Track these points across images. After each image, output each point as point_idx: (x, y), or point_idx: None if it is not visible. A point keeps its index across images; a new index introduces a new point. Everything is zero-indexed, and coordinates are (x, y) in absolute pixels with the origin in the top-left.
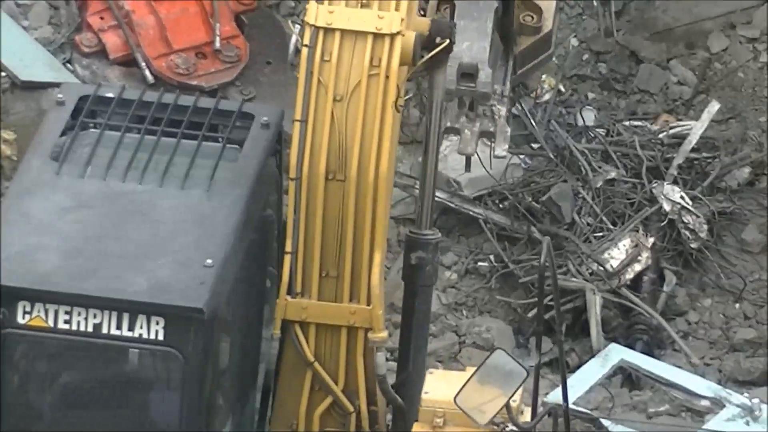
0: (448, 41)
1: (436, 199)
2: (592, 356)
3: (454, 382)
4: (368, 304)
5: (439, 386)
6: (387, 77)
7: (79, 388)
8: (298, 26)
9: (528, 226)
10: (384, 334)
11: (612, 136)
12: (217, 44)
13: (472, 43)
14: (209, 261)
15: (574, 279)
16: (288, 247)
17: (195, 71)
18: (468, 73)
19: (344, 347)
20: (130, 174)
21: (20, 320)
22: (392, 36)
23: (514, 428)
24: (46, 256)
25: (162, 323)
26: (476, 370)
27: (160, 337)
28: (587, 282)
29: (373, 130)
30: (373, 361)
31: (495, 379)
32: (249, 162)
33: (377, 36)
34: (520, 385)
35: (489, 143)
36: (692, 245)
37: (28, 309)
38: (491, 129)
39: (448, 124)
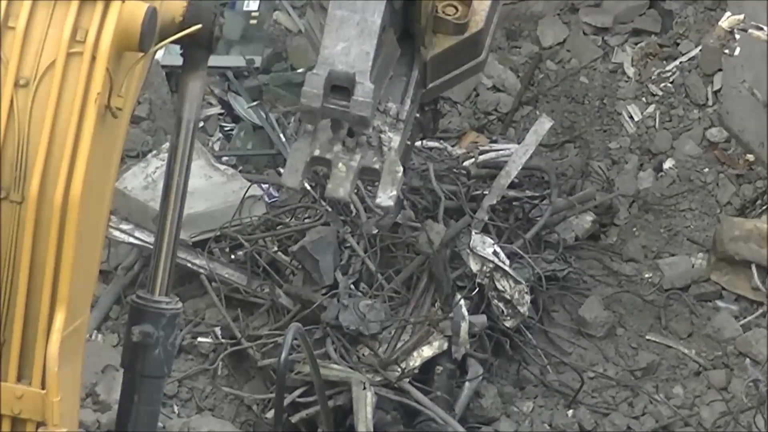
0: (201, 26)
1: (137, 242)
2: None
3: None
4: (42, 387)
5: None
6: (93, 58)
7: None
8: None
9: (272, 286)
10: (62, 430)
11: None
12: None
13: (350, 44)
14: None
15: (335, 366)
16: None
17: None
18: (340, 87)
19: None
20: None
21: None
22: (106, 2)
23: None
24: None
25: None
26: None
27: None
28: (354, 371)
29: (67, 131)
30: None
31: None
32: None
33: (85, 1)
34: None
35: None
36: (507, 323)
37: None
38: (375, 165)
39: (317, 152)
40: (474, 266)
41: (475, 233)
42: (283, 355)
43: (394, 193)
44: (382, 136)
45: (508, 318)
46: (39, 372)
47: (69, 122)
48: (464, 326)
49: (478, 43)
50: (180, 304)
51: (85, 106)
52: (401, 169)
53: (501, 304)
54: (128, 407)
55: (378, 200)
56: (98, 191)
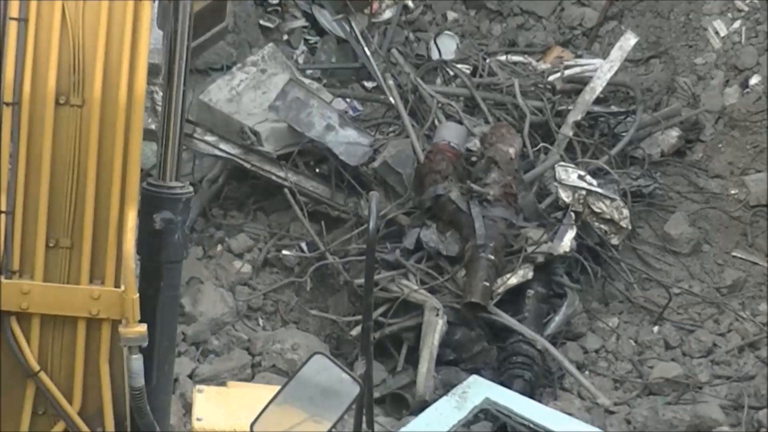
0: None
1: (222, 154)
2: (445, 393)
3: (238, 402)
4: (117, 285)
5: (217, 410)
6: None
7: None
8: None
9: (356, 200)
10: (141, 328)
11: (481, 77)
12: None
13: None
14: None
15: (414, 287)
16: (2, 205)
17: None
18: None
19: (82, 348)
20: None
21: None
22: None
23: None
24: None
25: None
26: (286, 384)
27: None
28: (432, 297)
29: (123, 30)
30: (124, 367)
31: (311, 397)
32: None
33: None
34: (350, 405)
35: None
36: (613, 241)
37: None
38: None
39: None
40: (566, 197)
41: (558, 166)
42: (371, 224)
43: None
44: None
45: (613, 236)
46: (112, 272)
47: (124, 20)
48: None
49: (222, 8)
50: (190, 188)
51: (140, 5)
52: None
53: (602, 225)
54: (152, 295)
55: None
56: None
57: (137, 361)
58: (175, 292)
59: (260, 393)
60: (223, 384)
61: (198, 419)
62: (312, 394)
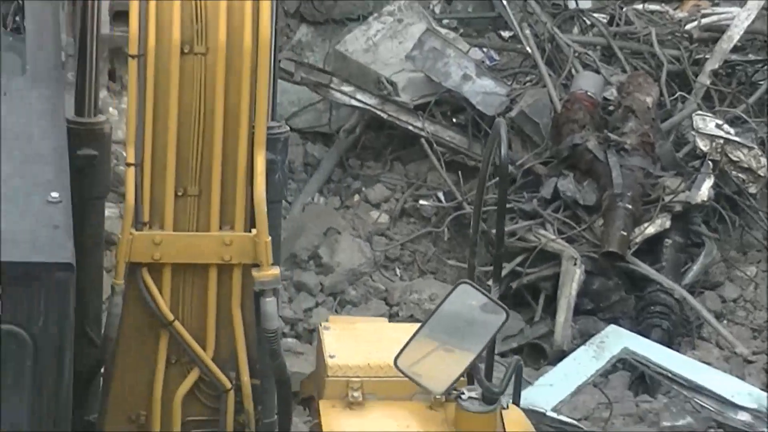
0: None
1: (359, 105)
2: (583, 343)
3: (366, 337)
4: (247, 230)
5: (347, 346)
6: None
7: None
8: None
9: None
10: (275, 270)
11: (618, 26)
12: None
13: None
14: (55, 194)
15: (551, 236)
16: (130, 157)
17: None
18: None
19: (214, 295)
20: None
21: None
22: None
23: (472, 394)
24: None
25: None
26: (430, 315)
27: None
28: (569, 246)
29: None
30: (259, 311)
31: (455, 327)
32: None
33: None
34: (497, 331)
35: None
36: (750, 190)
37: None
38: None
39: None
40: (703, 146)
41: (695, 115)
42: (503, 150)
43: None
44: None
45: (751, 184)
46: (242, 216)
47: None
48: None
49: None
50: (287, 128)
51: None
52: None
53: (740, 174)
54: None
55: None
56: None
57: (271, 304)
58: (277, 232)
59: (384, 327)
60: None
61: (330, 356)
62: (456, 324)
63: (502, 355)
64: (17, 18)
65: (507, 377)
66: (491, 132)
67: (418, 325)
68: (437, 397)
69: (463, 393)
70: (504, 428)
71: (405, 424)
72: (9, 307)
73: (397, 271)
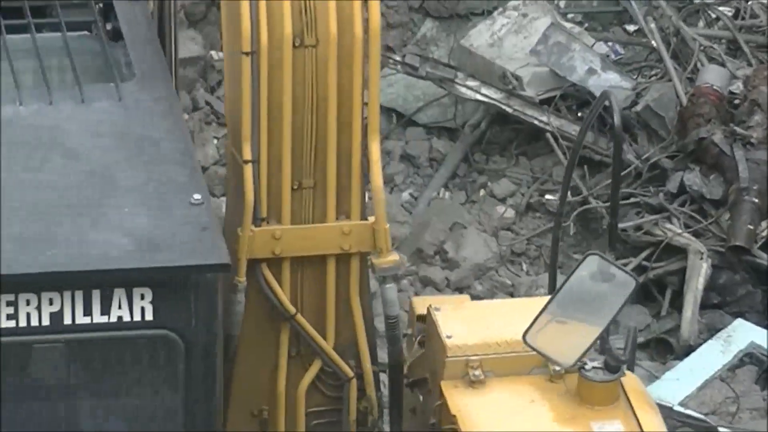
0: None
1: (484, 99)
2: (710, 337)
3: (477, 316)
4: (364, 218)
5: (462, 325)
6: None
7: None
8: None
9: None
10: (395, 257)
11: (743, 19)
12: None
13: None
14: (197, 196)
15: (677, 230)
16: (246, 154)
17: None
18: None
19: (333, 284)
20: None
21: None
22: None
23: (595, 364)
24: None
25: (149, 296)
26: (559, 289)
27: (148, 316)
28: (695, 240)
29: None
30: (380, 298)
31: (583, 300)
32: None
33: None
34: (627, 300)
35: None
36: None
37: None
38: None
39: None
40: None
41: None
42: (616, 120)
43: None
44: None
45: None
46: (357, 205)
47: None
48: None
49: None
50: None
51: None
52: None
53: None
54: None
55: None
56: None
57: (392, 290)
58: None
59: (492, 305)
60: None
61: (448, 336)
62: (584, 297)
63: None
64: (107, 23)
65: (629, 346)
66: (594, 102)
67: (525, 300)
68: (557, 369)
69: (586, 364)
70: (625, 394)
71: (529, 398)
72: (162, 312)
73: (524, 265)
